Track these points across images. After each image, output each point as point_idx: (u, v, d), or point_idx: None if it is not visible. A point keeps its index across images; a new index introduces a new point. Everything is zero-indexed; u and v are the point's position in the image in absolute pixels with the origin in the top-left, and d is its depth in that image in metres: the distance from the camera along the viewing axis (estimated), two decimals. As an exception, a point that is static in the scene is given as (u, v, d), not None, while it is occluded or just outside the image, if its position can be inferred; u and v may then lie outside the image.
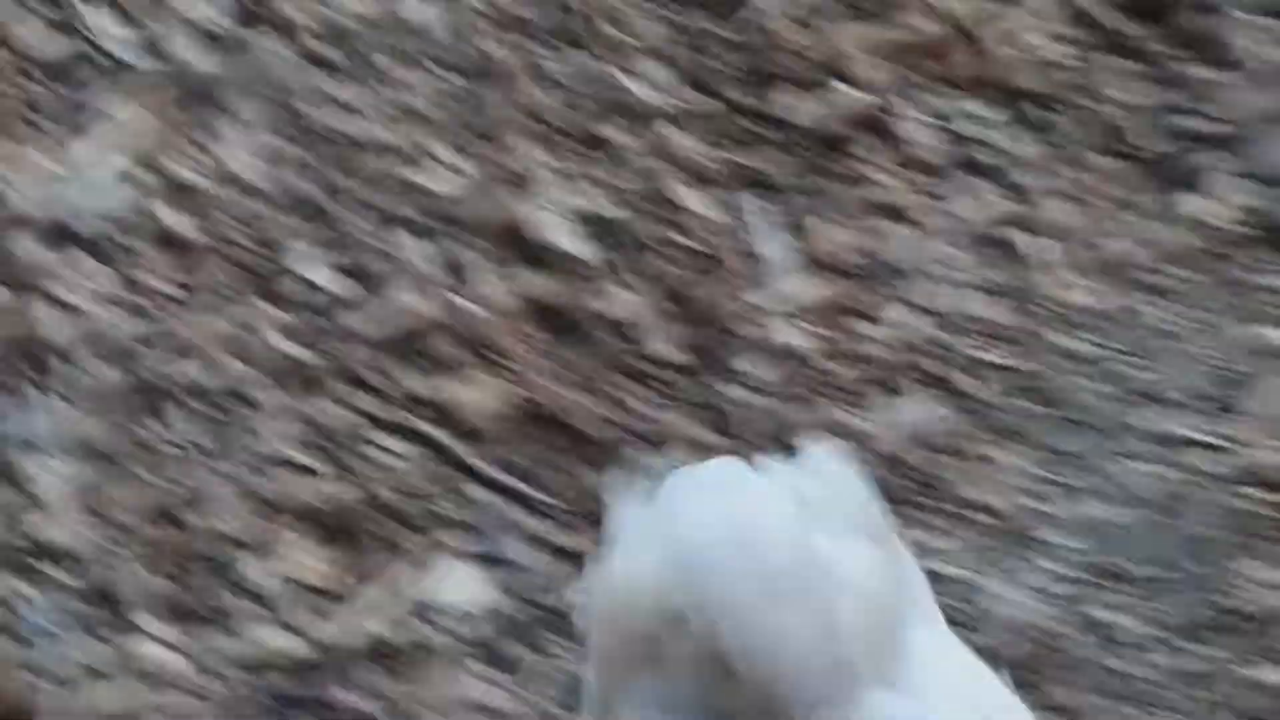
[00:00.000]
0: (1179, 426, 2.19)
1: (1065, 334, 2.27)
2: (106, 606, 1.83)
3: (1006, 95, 2.46)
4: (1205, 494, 2.12)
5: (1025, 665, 1.94)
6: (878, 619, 0.95)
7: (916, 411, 2.14)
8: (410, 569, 1.90)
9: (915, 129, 2.38)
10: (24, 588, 1.82)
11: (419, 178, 2.22)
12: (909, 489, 2.08)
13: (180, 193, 2.15)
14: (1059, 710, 1.91)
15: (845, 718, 0.93)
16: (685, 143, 2.31)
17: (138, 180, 2.14)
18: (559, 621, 1.91)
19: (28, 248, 2.04)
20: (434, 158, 2.25)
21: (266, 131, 2.23)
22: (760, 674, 0.91)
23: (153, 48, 2.26)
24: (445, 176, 2.23)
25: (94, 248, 2.07)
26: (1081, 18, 2.50)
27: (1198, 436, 2.17)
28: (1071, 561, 2.05)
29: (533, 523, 1.95)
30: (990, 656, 1.90)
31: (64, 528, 1.86)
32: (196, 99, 2.26)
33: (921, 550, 2.04)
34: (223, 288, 2.09)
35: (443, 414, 2.01)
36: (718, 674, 0.92)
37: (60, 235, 2.06)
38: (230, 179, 2.17)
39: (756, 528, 0.92)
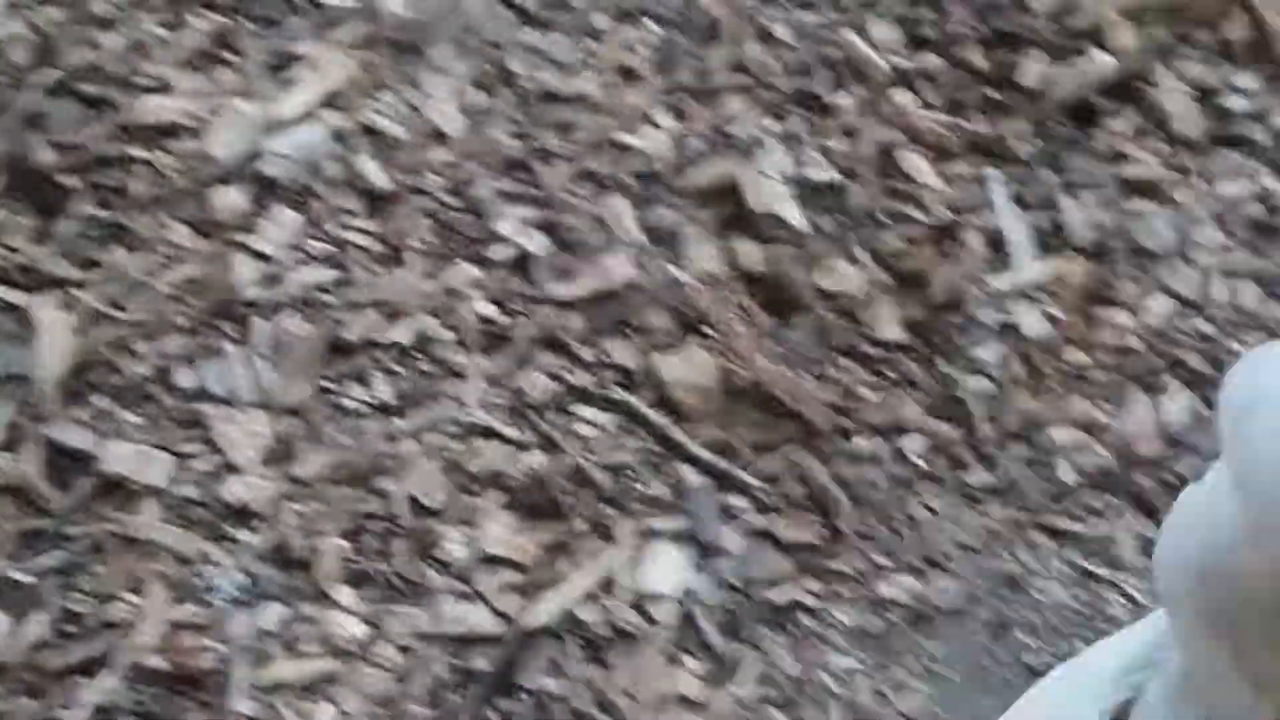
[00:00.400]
0: None
1: (1343, 330, 2.28)
2: (296, 573, 1.96)
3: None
4: None
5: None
6: None
7: (1176, 411, 2.17)
8: (611, 549, 1.97)
9: (1178, 101, 2.41)
10: (213, 550, 1.95)
11: (631, 139, 2.32)
12: (1166, 498, 2.10)
13: (381, 144, 2.28)
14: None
15: None
16: (920, 110, 2.38)
17: (338, 129, 2.29)
18: (766, 612, 1.98)
19: (230, 199, 2.19)
20: (649, 119, 2.36)
21: (471, 84, 2.36)
22: None
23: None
24: (659, 138, 2.33)
25: (293, 199, 2.21)
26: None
27: None
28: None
29: (742, 507, 2.03)
30: None
31: (256, 489, 1.99)
32: (399, 47, 2.39)
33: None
34: (423, 245, 2.21)
35: (650, 387, 2.09)
36: None
37: (260, 185, 2.21)
38: (433, 132, 2.30)
39: None
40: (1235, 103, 2.41)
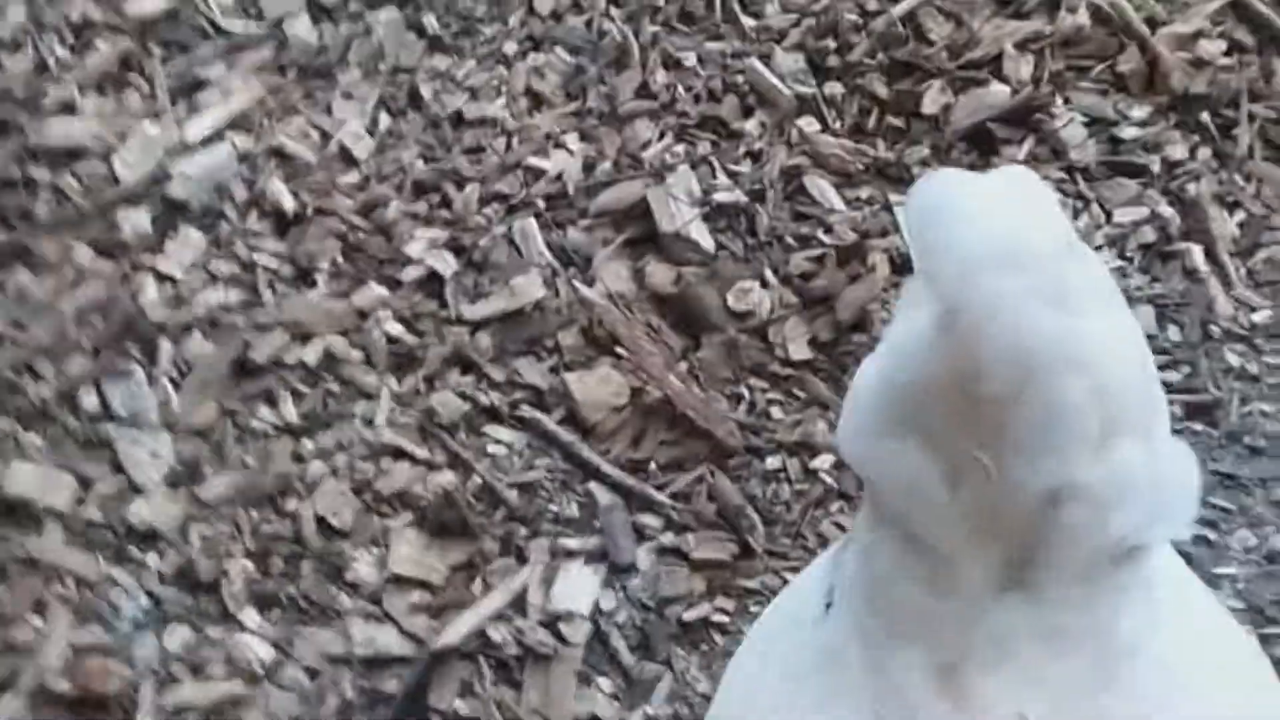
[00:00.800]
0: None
1: (1241, 353, 2.26)
2: (202, 595, 1.88)
3: (1173, 99, 2.47)
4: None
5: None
6: (1146, 374, 0.98)
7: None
8: (522, 568, 1.91)
9: (1074, 131, 2.40)
10: (118, 573, 1.87)
11: (541, 162, 2.27)
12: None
13: (290, 167, 2.22)
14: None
15: (1092, 464, 0.93)
16: (824, 136, 2.34)
17: (246, 152, 2.22)
18: (678, 630, 1.92)
19: (135, 221, 2.11)
20: (558, 143, 2.31)
21: (380, 109, 2.30)
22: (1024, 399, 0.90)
23: (263, 18, 2.35)
24: (569, 162, 2.28)
25: (200, 221, 2.14)
26: (1253, 21, 2.50)
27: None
28: (1253, 596, 2.03)
29: (653, 525, 1.97)
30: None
31: (161, 512, 1.91)
32: (308, 72, 2.33)
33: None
34: (332, 266, 2.14)
35: (560, 406, 2.03)
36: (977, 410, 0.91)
37: (166, 207, 2.14)
38: (342, 155, 2.24)
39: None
40: (1129, 132, 2.39)
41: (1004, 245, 0.90)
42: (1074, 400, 0.92)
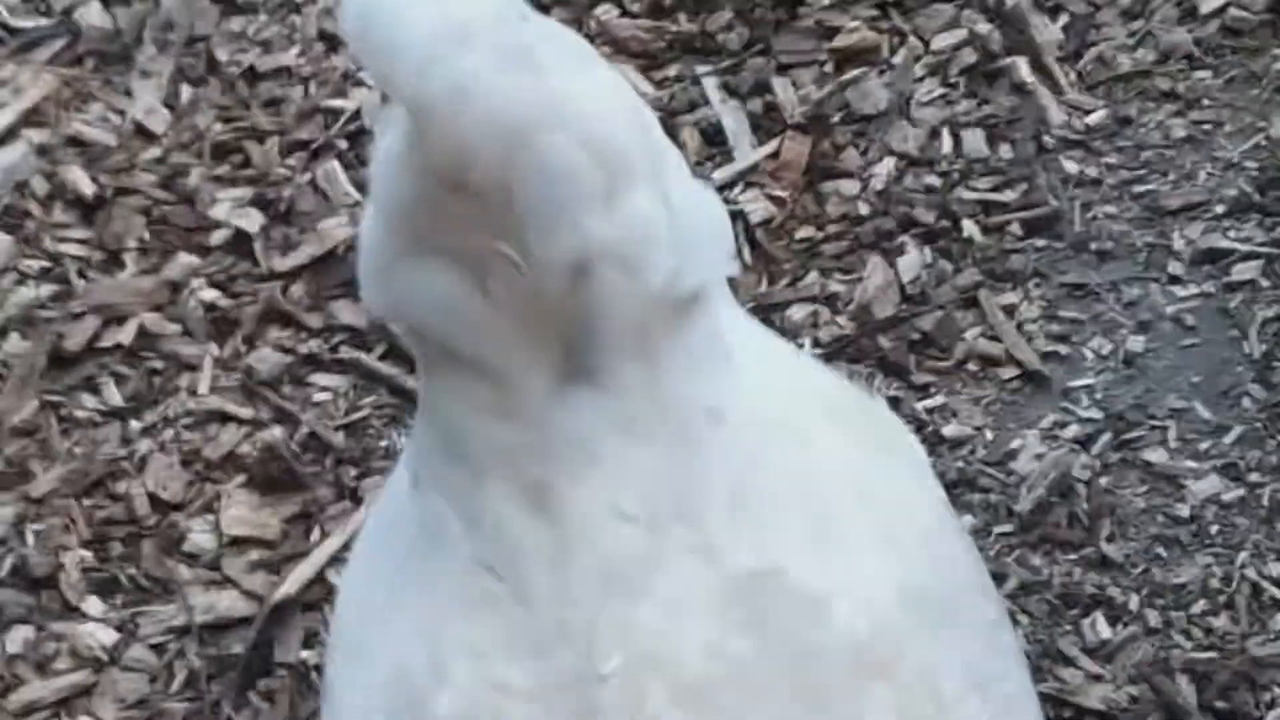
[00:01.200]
0: (1225, 240, 2.07)
1: (1079, 159, 2.16)
2: (41, 592, 1.83)
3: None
4: (1264, 310, 2.00)
5: (1074, 519, 1.85)
6: (639, 122, 0.92)
7: (912, 267, 2.05)
8: (358, 509, 1.85)
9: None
10: (-50, 584, 1.83)
11: (340, 102, 2.18)
12: (925, 352, 1.99)
13: (89, 153, 2.15)
14: (1108, 563, 1.82)
15: (607, 221, 0.89)
16: (623, 20, 2.26)
17: (42, 145, 2.16)
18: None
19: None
20: (355, 80, 2.23)
21: (177, 80, 2.23)
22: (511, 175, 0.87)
23: (52, 11, 2.29)
24: (368, 97, 2.19)
25: (6, 223, 2.07)
26: None
27: (1248, 248, 2.05)
28: (1113, 403, 1.94)
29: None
30: (1035, 515, 1.86)
31: (-9, 516, 1.87)
32: (105, 57, 2.27)
33: (948, 413, 2.00)
34: (139, 244, 2.07)
35: (380, 341, 1.95)
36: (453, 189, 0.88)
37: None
38: (139, 132, 2.18)
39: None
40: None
41: (448, 26, 0.85)
42: (568, 160, 0.87)
